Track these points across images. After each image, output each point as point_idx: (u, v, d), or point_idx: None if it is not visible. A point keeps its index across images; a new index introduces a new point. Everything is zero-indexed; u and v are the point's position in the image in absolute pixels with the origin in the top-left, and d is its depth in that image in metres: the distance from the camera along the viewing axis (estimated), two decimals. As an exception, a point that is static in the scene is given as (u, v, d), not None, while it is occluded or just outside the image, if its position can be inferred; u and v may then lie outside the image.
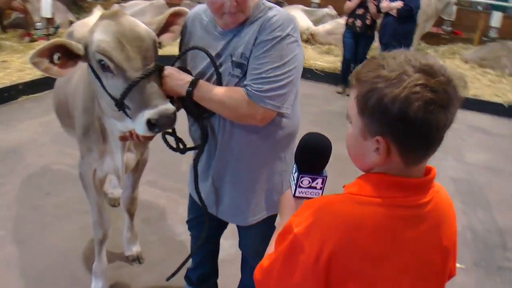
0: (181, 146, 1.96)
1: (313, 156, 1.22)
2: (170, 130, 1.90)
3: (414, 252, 1.06)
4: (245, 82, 1.74)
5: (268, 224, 2.09)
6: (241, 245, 2.27)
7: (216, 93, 1.76)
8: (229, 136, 1.88)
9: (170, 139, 1.97)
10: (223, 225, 2.28)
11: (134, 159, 2.37)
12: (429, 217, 1.08)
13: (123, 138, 2.05)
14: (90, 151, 2.26)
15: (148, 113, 1.65)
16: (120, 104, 1.75)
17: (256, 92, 1.70)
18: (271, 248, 1.17)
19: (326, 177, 1.24)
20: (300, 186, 1.24)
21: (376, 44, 7.22)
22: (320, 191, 1.26)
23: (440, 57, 9.53)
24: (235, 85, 1.78)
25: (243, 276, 2.42)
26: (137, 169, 2.61)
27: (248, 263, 2.33)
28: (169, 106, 1.69)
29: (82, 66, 1.84)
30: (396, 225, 1.04)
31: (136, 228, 3.01)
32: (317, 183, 1.24)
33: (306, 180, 1.23)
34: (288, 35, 1.71)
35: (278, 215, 1.34)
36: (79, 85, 2.20)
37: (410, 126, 0.97)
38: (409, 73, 0.97)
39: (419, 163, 1.06)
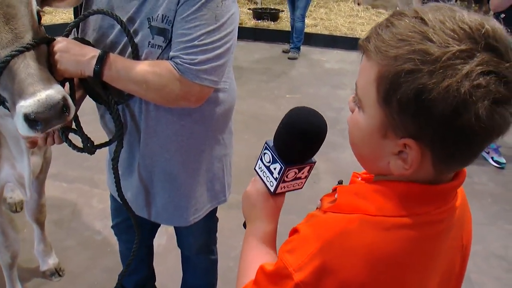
0: (89, 144, 1.52)
1: (309, 143, 0.90)
2: (73, 126, 1.48)
3: (441, 262, 0.82)
4: (171, 53, 1.36)
5: (211, 217, 1.83)
6: (181, 244, 1.96)
7: (135, 70, 1.35)
8: (155, 122, 1.51)
9: (74, 137, 1.52)
10: (156, 225, 1.94)
11: (40, 162, 1.95)
12: (458, 219, 0.83)
13: (33, 144, 1.55)
14: None
15: (24, 105, 1.20)
16: None
17: (188, 66, 1.33)
18: (243, 281, 0.87)
19: (315, 162, 0.94)
20: (284, 181, 0.93)
21: None
22: (305, 180, 0.97)
23: (334, 1, 9.56)
24: (158, 58, 1.39)
25: (187, 275, 2.13)
26: (41, 171, 2.16)
27: (190, 261, 2.05)
28: (52, 92, 1.23)
29: None
30: (432, 247, 0.78)
31: (48, 234, 2.57)
32: (303, 172, 0.95)
33: (292, 172, 0.92)
34: None
35: (245, 220, 1.02)
36: None
37: (463, 131, 0.66)
38: (468, 51, 0.64)
39: (456, 170, 0.79)
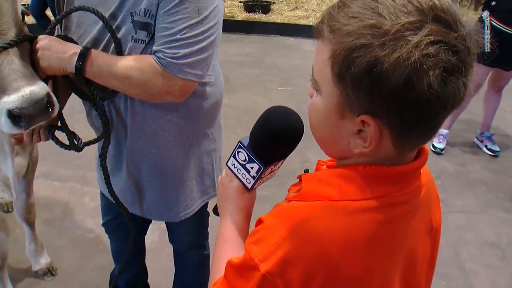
0: (76, 141, 1.50)
1: (286, 144, 0.89)
2: (57, 123, 1.46)
3: (407, 244, 0.81)
4: (154, 48, 1.34)
5: (201, 212, 1.80)
6: (172, 240, 1.95)
7: (117, 66, 1.33)
8: (142, 118, 1.49)
9: (60, 134, 1.49)
10: (148, 221, 1.93)
11: (25, 163, 1.91)
12: (423, 200, 0.82)
13: (18, 141, 1.53)
14: None
15: (8, 101, 1.18)
16: None
17: (171, 60, 1.31)
18: (215, 276, 0.87)
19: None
20: (261, 178, 0.93)
21: None
22: (277, 170, 0.97)
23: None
24: (142, 52, 1.36)
25: (179, 271, 2.12)
26: (28, 171, 2.13)
27: (182, 257, 2.04)
28: (36, 88, 1.22)
29: None
30: (397, 228, 0.77)
31: (40, 234, 2.55)
32: (277, 166, 0.95)
33: (269, 169, 0.93)
34: None
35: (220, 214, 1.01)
36: None
37: (418, 103, 0.66)
38: (417, 22, 0.65)
39: (416, 148, 0.79)
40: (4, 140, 1.60)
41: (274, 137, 0.87)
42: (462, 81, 0.67)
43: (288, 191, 0.88)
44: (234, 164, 0.94)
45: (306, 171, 0.91)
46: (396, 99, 0.66)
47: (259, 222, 0.80)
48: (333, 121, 0.75)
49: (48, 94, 1.24)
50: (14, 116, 1.19)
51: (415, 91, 0.64)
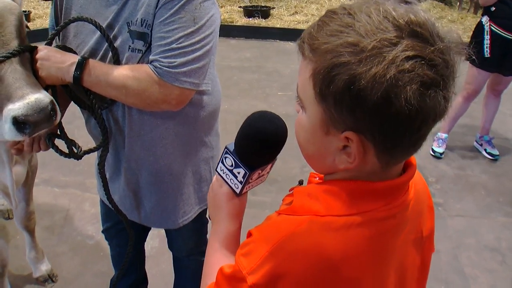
0: (75, 150, 1.52)
1: (269, 149, 0.90)
2: (57, 131, 1.48)
3: (396, 258, 0.81)
4: (150, 57, 1.35)
5: (200, 219, 1.80)
6: (171, 247, 1.96)
7: (114, 75, 1.35)
8: (139, 126, 1.50)
9: (60, 142, 1.52)
10: (147, 228, 1.94)
11: (24, 172, 1.92)
12: (412, 213, 0.83)
13: (18, 151, 1.55)
14: None
15: (13, 108, 1.21)
16: None
17: (167, 69, 1.32)
18: (206, 282, 0.88)
19: (276, 158, 0.95)
20: (249, 183, 0.94)
21: None
22: (267, 174, 0.98)
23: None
24: (139, 62, 1.38)
25: (178, 277, 2.12)
26: (27, 179, 2.14)
27: (182, 264, 2.04)
28: (41, 96, 1.25)
29: None
30: (383, 243, 0.78)
31: (40, 240, 2.56)
32: (266, 170, 0.96)
33: (256, 174, 0.94)
34: None
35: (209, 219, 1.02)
36: None
37: (398, 118, 0.66)
38: (393, 38, 0.66)
39: (402, 161, 0.79)
40: (2, 150, 1.61)
41: (257, 142, 0.88)
42: (442, 95, 0.67)
43: (282, 201, 0.89)
44: (223, 169, 0.95)
45: (301, 182, 0.92)
46: (377, 115, 0.67)
47: (249, 234, 0.81)
48: (319, 138, 0.76)
49: (52, 102, 1.27)
50: (19, 123, 1.21)
51: (393, 107, 0.65)
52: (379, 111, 0.66)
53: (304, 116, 0.78)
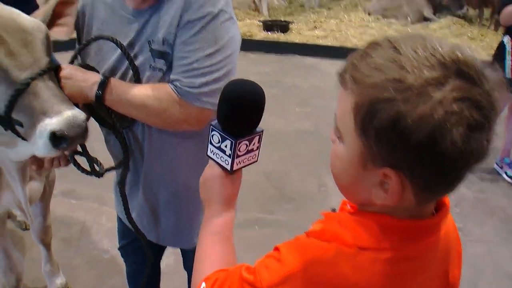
0: (96, 167, 1.52)
1: (251, 113, 0.92)
2: (79, 148, 1.48)
3: None
4: (171, 76, 1.36)
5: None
6: (187, 266, 1.94)
7: (135, 95, 1.36)
8: (159, 145, 1.51)
9: (81, 159, 1.52)
10: (163, 246, 1.93)
11: (40, 187, 1.92)
12: (440, 252, 0.81)
13: (39, 168, 1.54)
14: None
15: (50, 123, 1.20)
16: (7, 121, 1.27)
17: (188, 89, 1.33)
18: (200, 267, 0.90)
19: (263, 131, 0.97)
20: (238, 156, 0.94)
21: None
22: (257, 151, 0.99)
23: (343, 10, 9.53)
24: (159, 81, 1.39)
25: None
26: (44, 194, 2.16)
27: (197, 283, 2.01)
28: (77, 112, 1.25)
29: None
30: (406, 282, 0.77)
31: (56, 252, 2.57)
32: (254, 144, 0.96)
33: (243, 145, 0.94)
34: (221, 10, 1.33)
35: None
36: None
37: (441, 159, 0.66)
38: (440, 77, 0.65)
39: (437, 200, 0.79)
40: (13, 168, 1.62)
41: (233, 105, 0.90)
42: (485, 137, 0.67)
43: (311, 224, 0.89)
44: (213, 150, 0.96)
45: (333, 210, 0.91)
46: (419, 154, 0.66)
47: (276, 249, 0.80)
48: (356, 171, 0.75)
49: (86, 118, 1.28)
50: (57, 138, 1.21)
51: (438, 147, 0.64)
52: (422, 150, 0.65)
53: (341, 148, 0.77)
